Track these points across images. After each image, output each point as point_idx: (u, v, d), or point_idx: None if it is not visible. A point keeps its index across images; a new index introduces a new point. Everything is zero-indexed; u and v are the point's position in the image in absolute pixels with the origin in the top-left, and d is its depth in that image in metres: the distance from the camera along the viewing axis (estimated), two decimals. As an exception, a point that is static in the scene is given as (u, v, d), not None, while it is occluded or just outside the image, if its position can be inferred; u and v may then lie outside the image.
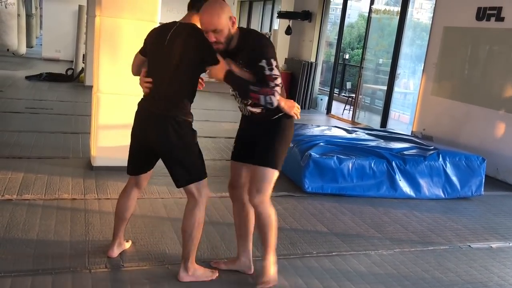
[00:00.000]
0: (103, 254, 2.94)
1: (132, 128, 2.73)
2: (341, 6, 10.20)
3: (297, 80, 10.09)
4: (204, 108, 7.77)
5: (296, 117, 2.66)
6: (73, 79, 10.43)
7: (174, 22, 2.60)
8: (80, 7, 10.79)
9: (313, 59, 10.20)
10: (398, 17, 8.12)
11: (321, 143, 4.87)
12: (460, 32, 6.60)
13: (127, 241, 3.07)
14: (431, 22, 7.21)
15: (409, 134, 6.85)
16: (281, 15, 10.93)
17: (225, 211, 3.84)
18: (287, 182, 4.69)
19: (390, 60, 8.20)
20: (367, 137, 5.54)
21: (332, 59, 10.84)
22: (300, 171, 4.51)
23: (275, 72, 2.43)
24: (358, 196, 4.62)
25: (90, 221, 3.45)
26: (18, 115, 6.72)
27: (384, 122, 8.19)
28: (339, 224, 3.93)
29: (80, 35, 10.80)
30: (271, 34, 12.85)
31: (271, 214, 2.68)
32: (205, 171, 2.67)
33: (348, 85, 12.80)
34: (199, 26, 2.51)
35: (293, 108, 2.61)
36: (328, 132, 5.65)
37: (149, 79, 2.60)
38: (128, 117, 4.51)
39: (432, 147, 5.13)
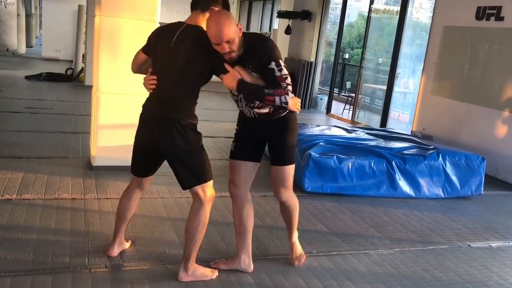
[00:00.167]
0: (103, 254, 2.94)
1: (137, 131, 2.70)
2: (340, 6, 10.20)
3: (297, 80, 10.08)
4: (203, 108, 7.76)
5: (298, 112, 2.77)
6: (73, 79, 10.43)
7: (180, 23, 2.58)
8: (79, 6, 10.79)
9: (312, 59, 10.20)
10: (398, 16, 8.12)
11: (321, 143, 4.88)
12: (459, 31, 6.60)
13: (127, 241, 3.07)
14: (430, 21, 7.21)
15: (409, 133, 6.86)
16: (281, 14, 10.93)
17: (225, 210, 3.84)
18: (287, 181, 4.69)
19: (390, 60, 8.20)
20: (367, 136, 5.54)
21: (332, 58, 10.85)
22: (300, 171, 4.50)
23: (284, 72, 2.53)
24: (358, 196, 4.62)
25: (90, 221, 3.45)
26: (18, 115, 6.72)
27: (384, 122, 8.20)
28: (339, 223, 3.93)
29: (79, 35, 10.80)
30: (270, 33, 12.85)
31: (296, 202, 3.00)
32: (210, 173, 2.66)
33: (348, 84, 12.80)
34: (204, 27, 2.50)
35: (296, 104, 2.69)
36: (328, 132, 5.65)
37: (154, 77, 2.57)
38: (128, 116, 4.57)
39: (431, 147, 5.13)
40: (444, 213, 4.49)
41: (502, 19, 5.98)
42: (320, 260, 3.21)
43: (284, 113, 2.74)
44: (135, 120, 4.70)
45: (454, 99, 6.64)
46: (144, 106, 2.68)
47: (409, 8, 8.17)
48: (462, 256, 3.55)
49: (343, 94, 12.55)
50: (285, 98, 2.51)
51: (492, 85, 6.15)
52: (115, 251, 2.93)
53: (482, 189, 5.01)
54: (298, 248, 3.11)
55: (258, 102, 2.65)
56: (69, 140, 5.57)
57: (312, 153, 4.55)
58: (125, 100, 4.54)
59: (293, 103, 2.64)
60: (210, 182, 2.66)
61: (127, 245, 3.05)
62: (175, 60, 2.49)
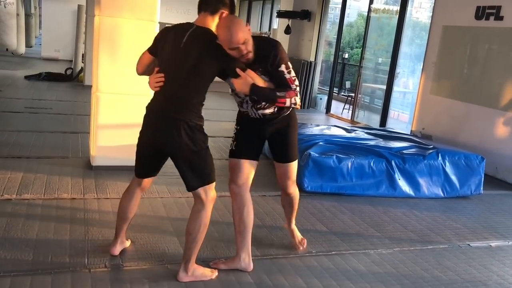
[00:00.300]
0: (103, 254, 2.94)
1: (141, 131, 2.67)
2: (340, 5, 10.20)
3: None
4: (203, 107, 7.73)
5: (299, 108, 2.89)
6: (73, 79, 10.43)
7: (190, 24, 2.59)
8: (79, 6, 10.79)
9: (312, 59, 10.20)
10: (397, 16, 8.12)
11: (321, 143, 4.88)
12: (459, 31, 6.60)
13: (127, 240, 3.07)
14: (430, 21, 7.22)
15: (409, 133, 6.86)
16: (280, 14, 10.93)
17: (225, 210, 3.84)
18: (286, 181, 4.69)
19: (390, 59, 8.20)
20: (366, 136, 5.54)
21: (332, 58, 10.85)
22: (300, 171, 4.48)
23: (293, 74, 2.68)
24: (357, 195, 4.62)
25: (90, 220, 3.45)
26: (17, 115, 6.72)
27: (383, 121, 8.20)
28: (338, 223, 3.93)
29: (79, 35, 10.80)
30: (270, 33, 12.85)
31: (298, 192, 3.22)
32: (214, 174, 2.67)
33: (348, 84, 12.81)
34: (213, 29, 2.54)
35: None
36: (327, 132, 5.65)
37: (161, 75, 2.55)
38: (128, 116, 4.58)
39: (431, 146, 5.14)
40: (443, 213, 4.49)
41: (501, 18, 5.98)
42: (320, 260, 3.21)
43: (287, 112, 2.86)
44: (135, 120, 4.69)
45: (454, 99, 6.64)
46: (149, 106, 2.65)
47: (409, 8, 8.17)
48: (462, 256, 3.55)
49: (342, 93, 12.56)
50: (295, 99, 2.66)
51: (492, 85, 6.15)
52: (117, 249, 2.93)
53: (482, 188, 5.01)
54: (298, 233, 3.34)
55: (264, 103, 2.73)
56: (69, 140, 5.57)
57: (312, 152, 4.55)
58: (125, 100, 4.55)
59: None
60: (213, 184, 2.68)
61: (127, 243, 3.05)
62: (185, 60, 2.49)
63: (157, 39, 2.67)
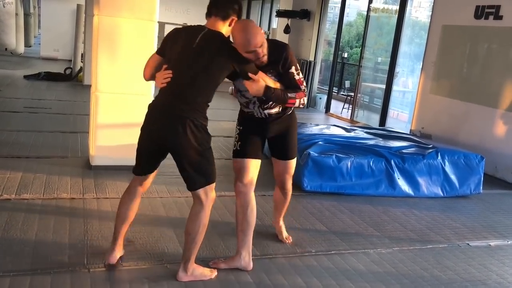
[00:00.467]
0: (102, 254, 2.92)
1: (144, 128, 2.65)
2: (339, 5, 10.20)
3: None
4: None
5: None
6: (72, 78, 10.43)
7: (202, 26, 2.62)
8: (78, 6, 10.79)
9: (311, 58, 10.20)
10: (397, 15, 8.12)
11: (320, 142, 4.88)
12: (458, 30, 6.60)
13: (125, 243, 2.98)
14: (429, 20, 7.22)
15: (408, 132, 6.86)
16: (280, 14, 10.93)
17: (224, 210, 3.84)
18: (286, 181, 4.69)
19: (389, 59, 8.20)
20: (366, 135, 5.54)
21: (331, 57, 10.85)
22: (299, 170, 4.50)
23: (301, 76, 2.81)
24: (357, 195, 4.62)
25: (89, 220, 3.44)
26: (17, 115, 6.71)
27: (383, 121, 8.20)
28: (338, 222, 3.93)
29: (78, 34, 10.79)
30: (269, 33, 12.85)
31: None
32: (215, 175, 2.68)
33: (347, 83, 12.81)
34: (225, 34, 2.61)
35: None
36: (327, 131, 5.65)
37: (169, 71, 2.55)
38: (127, 116, 4.58)
39: (430, 146, 5.14)
40: (443, 212, 4.49)
41: (500, 18, 5.99)
42: (319, 259, 3.21)
43: (290, 111, 2.98)
44: (134, 119, 4.69)
45: (453, 98, 6.64)
46: (154, 103, 2.63)
47: (408, 7, 8.17)
48: (461, 255, 3.55)
49: (342, 93, 12.56)
50: (304, 100, 2.78)
51: (491, 84, 6.15)
52: (115, 257, 2.81)
53: (481, 188, 5.02)
54: (285, 230, 3.47)
55: (271, 103, 2.82)
56: (68, 140, 5.57)
57: (311, 152, 4.55)
58: (124, 100, 4.54)
59: None
60: (213, 185, 2.68)
61: (122, 252, 2.89)
62: (197, 61, 2.51)
63: (165, 40, 2.68)
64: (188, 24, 2.87)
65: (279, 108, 2.89)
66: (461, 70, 6.63)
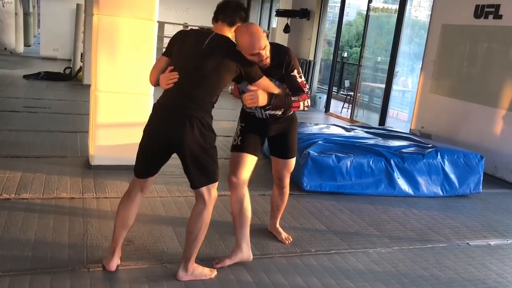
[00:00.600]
0: (102, 253, 2.93)
1: (148, 128, 2.64)
2: (339, 4, 10.20)
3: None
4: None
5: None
6: (71, 78, 10.42)
7: (210, 30, 2.68)
8: (77, 5, 10.77)
9: (311, 57, 10.20)
10: (396, 15, 8.12)
11: (320, 141, 4.88)
12: (458, 30, 6.60)
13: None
14: (429, 20, 7.21)
15: (408, 132, 6.86)
16: (279, 13, 10.93)
17: (224, 209, 3.84)
18: (285, 180, 4.69)
19: (389, 58, 8.19)
20: (365, 135, 5.54)
21: (331, 57, 10.84)
22: (299, 170, 4.50)
23: (304, 79, 2.87)
24: (356, 194, 4.62)
25: (89, 220, 3.44)
26: (16, 114, 6.71)
27: (382, 120, 8.20)
28: (337, 222, 3.93)
29: (78, 34, 10.78)
30: (269, 32, 12.84)
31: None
32: (218, 174, 2.69)
33: (347, 83, 12.81)
34: (232, 39, 2.67)
35: None
36: (326, 130, 5.65)
37: (175, 73, 2.56)
38: (127, 115, 4.57)
39: (430, 145, 5.14)
40: (442, 212, 4.49)
41: (500, 17, 5.99)
42: (319, 259, 3.21)
43: (291, 112, 3.05)
44: (134, 119, 4.70)
45: (453, 97, 6.64)
46: (160, 103, 2.63)
47: (408, 7, 8.17)
48: (461, 254, 3.55)
49: (341, 92, 12.56)
50: (308, 102, 2.82)
51: (491, 83, 6.15)
52: (115, 263, 2.77)
53: (481, 187, 5.02)
54: (282, 230, 3.48)
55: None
56: (68, 139, 5.56)
57: (311, 151, 4.55)
58: (124, 99, 4.54)
59: None
60: (216, 184, 2.69)
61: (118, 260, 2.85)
62: (206, 62, 2.55)
63: (172, 42, 2.71)
64: (188, 23, 2.89)
65: (281, 110, 2.96)
66: (460, 69, 6.63)
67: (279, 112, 2.98)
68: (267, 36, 12.54)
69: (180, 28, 12.77)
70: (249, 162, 3.01)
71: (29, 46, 14.89)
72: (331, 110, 10.03)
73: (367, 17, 9.22)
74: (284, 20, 10.89)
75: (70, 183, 4.14)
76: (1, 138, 5.35)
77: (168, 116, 2.56)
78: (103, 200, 3.84)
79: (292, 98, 2.78)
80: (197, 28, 2.77)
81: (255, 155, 3.05)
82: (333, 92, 10.58)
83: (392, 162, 4.71)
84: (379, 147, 4.91)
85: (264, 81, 2.71)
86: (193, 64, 2.56)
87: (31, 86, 9.25)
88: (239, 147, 3.03)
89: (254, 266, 2.98)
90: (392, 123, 8.20)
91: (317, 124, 6.17)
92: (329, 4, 10.51)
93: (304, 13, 10.27)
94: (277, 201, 3.40)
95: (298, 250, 3.32)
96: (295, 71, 2.80)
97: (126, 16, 4.40)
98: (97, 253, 2.95)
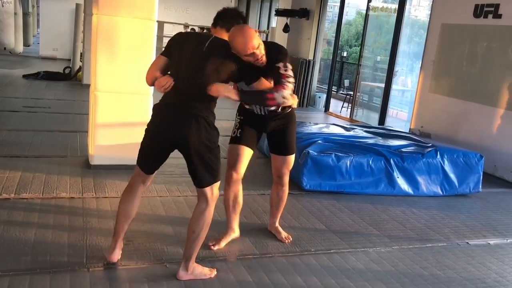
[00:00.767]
0: (102, 253, 2.93)
1: (151, 128, 2.66)
2: (338, 4, 10.19)
3: (295, 78, 10.07)
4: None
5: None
6: (71, 78, 10.42)
7: (209, 34, 2.74)
8: (77, 5, 10.76)
9: (311, 57, 10.20)
10: (396, 14, 8.12)
11: (319, 141, 4.87)
12: (457, 29, 6.60)
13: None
14: (429, 19, 7.21)
15: (407, 131, 6.86)
16: (279, 13, 10.92)
17: (223, 209, 3.83)
18: (285, 180, 4.69)
19: (388, 58, 8.19)
20: (365, 134, 5.54)
21: (330, 56, 10.84)
22: (298, 169, 4.50)
23: (289, 72, 2.78)
24: (356, 194, 4.62)
25: (88, 219, 3.44)
26: (16, 114, 6.70)
27: (382, 120, 8.20)
28: (337, 221, 3.93)
29: (77, 34, 10.78)
30: (269, 32, 12.84)
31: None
32: (220, 173, 2.71)
33: (346, 82, 12.82)
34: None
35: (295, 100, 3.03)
36: (326, 130, 5.65)
37: (171, 79, 2.59)
38: (126, 115, 4.57)
39: (430, 144, 5.14)
40: (442, 211, 4.49)
41: (499, 16, 5.99)
42: (319, 258, 3.21)
43: (289, 110, 3.11)
44: (134, 119, 4.70)
45: (452, 97, 6.64)
46: (163, 103, 2.65)
47: (407, 6, 8.17)
48: (460, 254, 3.56)
49: (341, 92, 12.56)
50: (284, 93, 2.68)
51: (490, 83, 6.15)
52: (117, 254, 2.82)
53: (480, 186, 5.02)
54: (281, 229, 3.50)
55: None
56: (67, 139, 5.56)
57: (311, 151, 4.55)
58: (123, 99, 4.54)
59: (296, 101, 3.01)
60: (219, 183, 2.72)
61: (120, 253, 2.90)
62: (206, 63, 2.58)
63: (171, 43, 2.73)
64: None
65: (278, 107, 3.00)
66: (460, 68, 6.63)
67: (275, 107, 3.01)
68: (266, 35, 12.56)
69: (180, 27, 12.77)
70: (247, 156, 3.12)
71: (29, 45, 14.90)
72: (330, 110, 10.03)
73: (366, 16, 9.22)
74: (284, 20, 10.88)
75: (70, 183, 4.14)
76: (0, 138, 5.35)
77: (174, 115, 2.59)
78: (102, 200, 3.84)
79: (266, 92, 2.70)
80: (197, 27, 2.77)
81: (252, 149, 3.15)
82: (332, 92, 10.57)
83: (391, 161, 4.71)
84: (379, 147, 4.91)
85: (259, 85, 2.73)
86: (194, 66, 2.59)
87: (30, 86, 9.24)
88: (238, 139, 3.11)
89: (254, 266, 2.98)
90: (392, 123, 8.20)
91: (316, 124, 6.17)
92: (328, 3, 10.50)
93: (303, 13, 10.26)
94: (276, 200, 3.42)
95: (297, 249, 3.32)
96: (280, 63, 2.75)
97: (126, 15, 4.39)
98: (97, 252, 2.95)
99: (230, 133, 3.21)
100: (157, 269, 2.85)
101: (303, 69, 10.01)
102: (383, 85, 8.38)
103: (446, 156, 4.90)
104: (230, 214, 3.23)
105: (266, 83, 2.77)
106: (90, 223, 3.38)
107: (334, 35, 10.30)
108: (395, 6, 8.48)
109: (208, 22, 3.07)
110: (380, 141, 5.21)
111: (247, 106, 3.12)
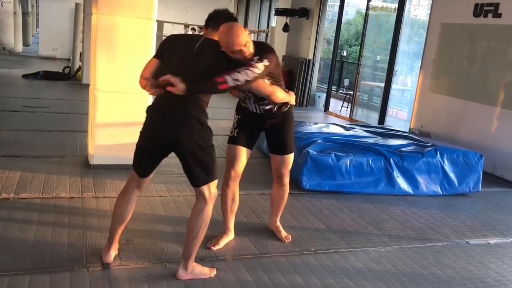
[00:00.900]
0: (101, 253, 2.93)
1: (145, 129, 2.67)
2: (338, 3, 10.19)
3: (295, 78, 10.08)
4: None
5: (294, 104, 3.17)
6: (70, 78, 10.42)
7: (199, 35, 2.79)
8: (76, 5, 10.76)
9: (310, 57, 10.19)
10: (396, 14, 8.12)
11: (319, 141, 4.87)
12: (457, 28, 6.60)
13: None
14: (428, 18, 7.21)
15: (407, 131, 6.86)
16: (279, 12, 10.92)
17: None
18: (285, 179, 4.69)
19: (388, 57, 8.19)
20: (365, 134, 5.54)
21: (330, 56, 10.84)
22: (298, 169, 4.50)
23: (258, 65, 2.58)
24: (356, 193, 4.62)
25: (88, 219, 3.44)
26: (15, 114, 6.70)
27: (382, 119, 8.20)
28: (337, 221, 3.93)
29: (77, 33, 10.78)
30: (268, 31, 12.84)
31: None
32: (217, 172, 2.72)
33: (346, 82, 12.82)
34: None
35: (292, 97, 3.09)
36: (326, 129, 5.65)
37: (163, 81, 2.55)
38: (126, 115, 4.57)
39: (429, 144, 5.14)
40: (442, 210, 4.49)
41: (499, 16, 5.98)
42: (319, 258, 3.21)
43: (286, 109, 3.10)
44: (133, 118, 4.69)
45: (452, 96, 6.64)
46: (155, 104, 2.66)
47: (407, 6, 8.17)
48: (460, 253, 3.56)
49: (341, 91, 12.56)
50: (238, 76, 2.50)
51: (490, 82, 6.15)
52: (112, 256, 2.84)
53: (480, 186, 5.02)
54: (282, 229, 3.50)
55: (266, 100, 2.96)
56: (67, 139, 5.56)
57: (310, 150, 4.55)
58: (123, 98, 4.53)
59: (293, 98, 3.07)
60: (216, 181, 2.72)
61: (117, 250, 2.94)
62: (198, 64, 2.60)
63: (163, 45, 2.76)
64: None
65: (274, 106, 3.04)
66: (460, 68, 6.63)
67: (271, 106, 3.03)
68: (266, 35, 12.55)
69: (180, 27, 12.77)
70: (244, 155, 3.14)
71: (28, 45, 14.88)
72: (330, 109, 10.03)
73: (366, 16, 9.21)
74: (283, 19, 10.88)
75: (69, 183, 4.14)
76: (0, 138, 5.34)
77: (166, 117, 2.60)
78: (102, 200, 3.84)
79: (216, 80, 2.49)
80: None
81: (249, 148, 3.18)
82: (332, 91, 10.57)
83: (391, 161, 4.71)
84: (379, 146, 4.91)
85: (257, 84, 2.73)
86: (186, 66, 2.60)
87: (30, 86, 9.24)
88: (235, 140, 3.13)
89: (253, 265, 2.98)
90: (392, 122, 8.20)
91: (316, 123, 6.17)
92: (328, 3, 10.49)
93: (303, 12, 10.26)
94: (277, 199, 3.42)
95: (297, 249, 3.32)
96: (256, 58, 2.61)
97: (125, 15, 4.39)
98: (97, 252, 2.94)
99: (229, 133, 3.21)
100: (157, 268, 2.85)
101: (302, 68, 10.02)
102: (383, 84, 8.38)
103: (446, 155, 4.90)
104: (228, 213, 3.25)
105: (263, 83, 2.76)
106: (90, 223, 3.38)
107: (334, 34, 10.30)
108: (395, 5, 8.48)
109: (207, 21, 3.06)
110: (380, 140, 5.21)
111: (243, 105, 3.13)
